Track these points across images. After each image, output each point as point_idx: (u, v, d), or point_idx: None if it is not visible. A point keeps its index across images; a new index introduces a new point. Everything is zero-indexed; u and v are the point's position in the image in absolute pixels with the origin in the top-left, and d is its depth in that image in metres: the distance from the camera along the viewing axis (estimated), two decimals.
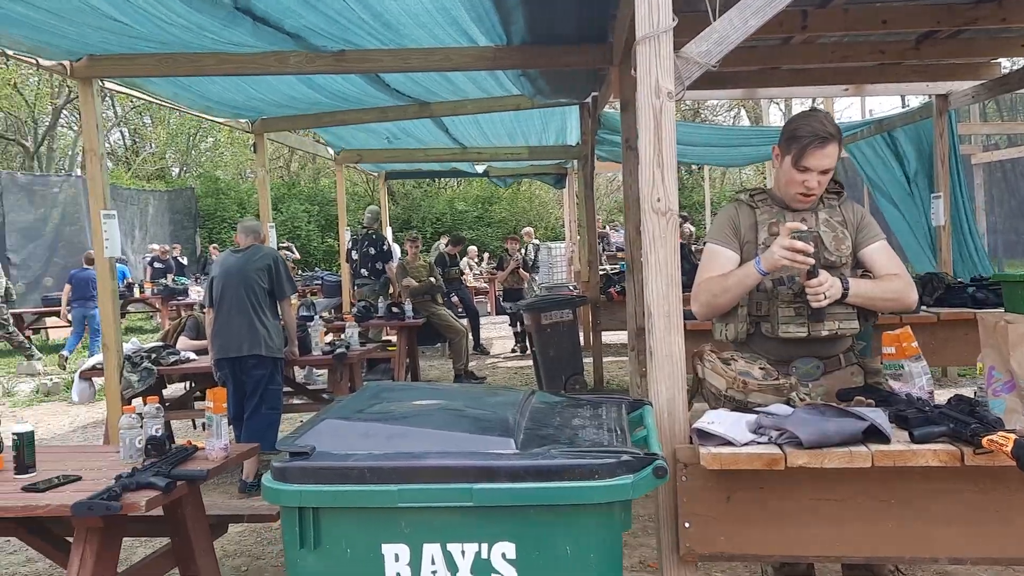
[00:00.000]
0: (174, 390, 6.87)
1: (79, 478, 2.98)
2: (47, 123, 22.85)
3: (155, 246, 17.01)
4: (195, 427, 6.34)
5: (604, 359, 8.60)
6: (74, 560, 2.78)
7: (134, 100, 21.05)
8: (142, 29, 4.66)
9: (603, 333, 8.61)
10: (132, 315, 16.46)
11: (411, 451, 1.90)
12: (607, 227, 18.86)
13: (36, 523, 3.17)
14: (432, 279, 9.21)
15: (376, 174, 14.33)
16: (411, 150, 10.96)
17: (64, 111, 22.98)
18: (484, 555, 1.85)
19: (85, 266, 11.10)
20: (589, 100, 7.65)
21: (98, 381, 6.12)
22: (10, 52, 4.85)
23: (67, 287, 11.32)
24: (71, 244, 16.78)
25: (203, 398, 6.18)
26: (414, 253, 9.45)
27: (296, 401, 6.58)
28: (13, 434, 3.07)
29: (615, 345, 10.45)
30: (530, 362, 8.84)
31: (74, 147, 24.99)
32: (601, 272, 9.22)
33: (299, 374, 7.36)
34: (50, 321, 13.43)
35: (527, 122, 9.34)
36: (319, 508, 1.87)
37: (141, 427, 3.24)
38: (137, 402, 3.85)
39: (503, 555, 1.85)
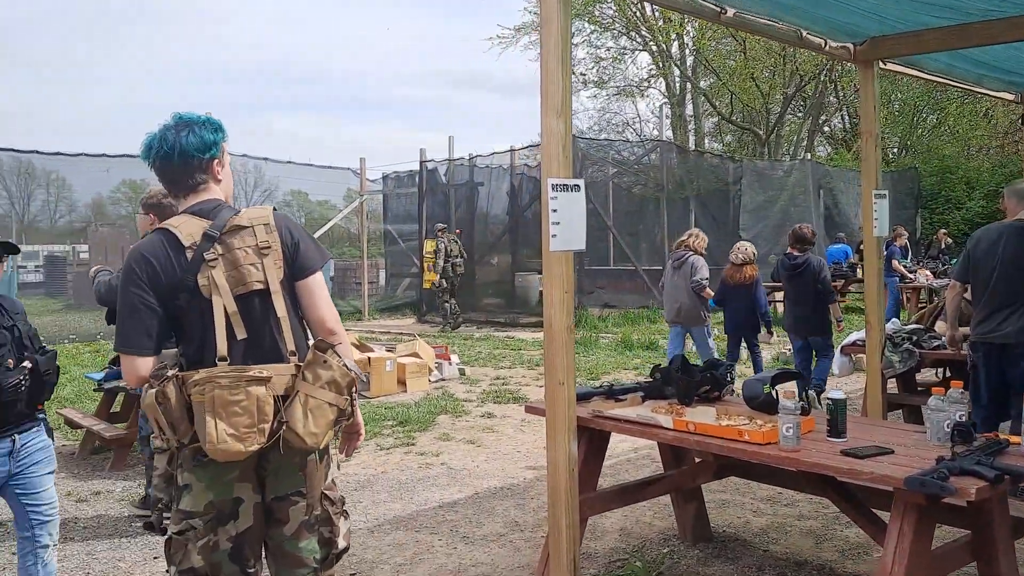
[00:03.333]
0: (927, 375, 6.66)
1: (892, 451, 3.03)
2: (777, 112, 24.62)
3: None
4: None
5: None
6: (892, 532, 2.83)
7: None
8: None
9: None
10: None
11: None
12: None
13: (842, 487, 3.37)
14: None
15: None
16: None
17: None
18: None
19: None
20: None
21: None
22: (804, 32, 5.15)
23: None
24: (796, 223, 17.80)
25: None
26: None
27: None
28: (828, 399, 3.29)
29: None
30: None
31: (799, 133, 26.49)
32: None
33: None
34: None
35: None
36: None
37: (948, 410, 3.15)
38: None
39: None
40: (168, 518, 2.45)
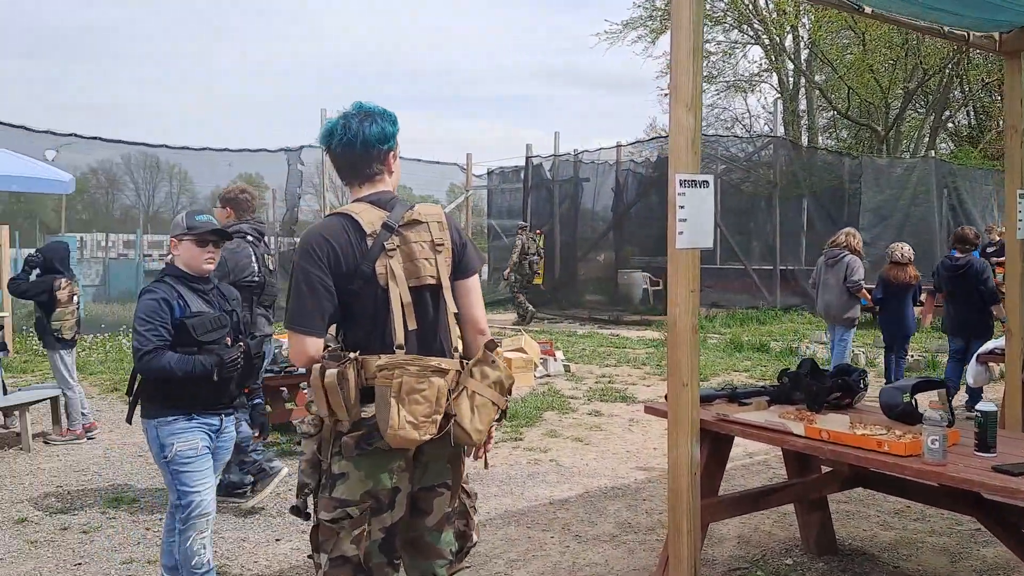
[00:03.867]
0: None
1: None
2: (897, 107, 23.51)
3: None
4: None
5: None
6: None
7: None
8: None
9: None
10: None
11: None
12: None
13: (989, 504, 3.15)
14: None
15: None
16: None
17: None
18: None
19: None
20: None
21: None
22: (945, 27, 4.88)
23: None
24: (918, 224, 17.01)
25: None
26: None
27: None
28: (978, 411, 3.08)
29: None
30: None
31: (920, 129, 25.25)
32: None
33: None
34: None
35: None
36: None
37: None
38: None
39: None
40: (314, 504, 2.43)
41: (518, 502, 5.01)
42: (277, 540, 4.40)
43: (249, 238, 4.95)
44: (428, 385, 2.27)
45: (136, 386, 3.30)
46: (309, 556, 2.48)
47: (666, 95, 39.18)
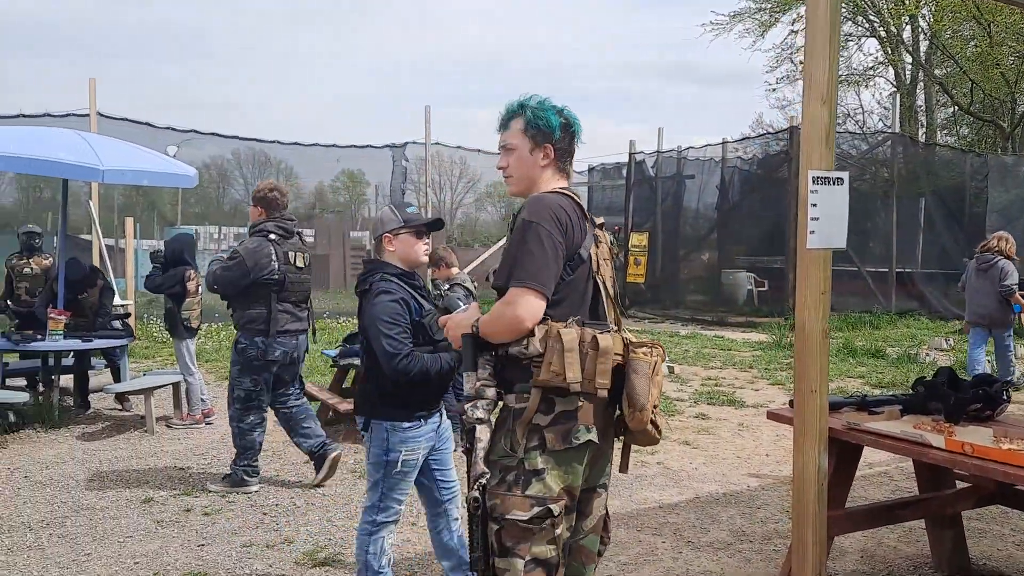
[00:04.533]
0: None
1: None
2: None
3: None
4: None
5: None
6: None
7: None
8: None
9: None
10: None
11: None
12: None
13: None
14: None
15: None
16: None
17: None
18: None
19: None
20: None
21: None
22: None
23: None
24: None
25: None
26: None
27: None
28: None
29: None
30: None
31: None
32: None
33: None
34: None
35: None
36: None
37: None
38: None
39: None
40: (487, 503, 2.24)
41: (627, 505, 4.93)
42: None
43: (272, 236, 5.06)
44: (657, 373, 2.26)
45: (367, 386, 3.21)
46: (476, 567, 2.27)
47: (774, 90, 38.11)
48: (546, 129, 2.38)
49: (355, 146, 15.56)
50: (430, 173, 16.83)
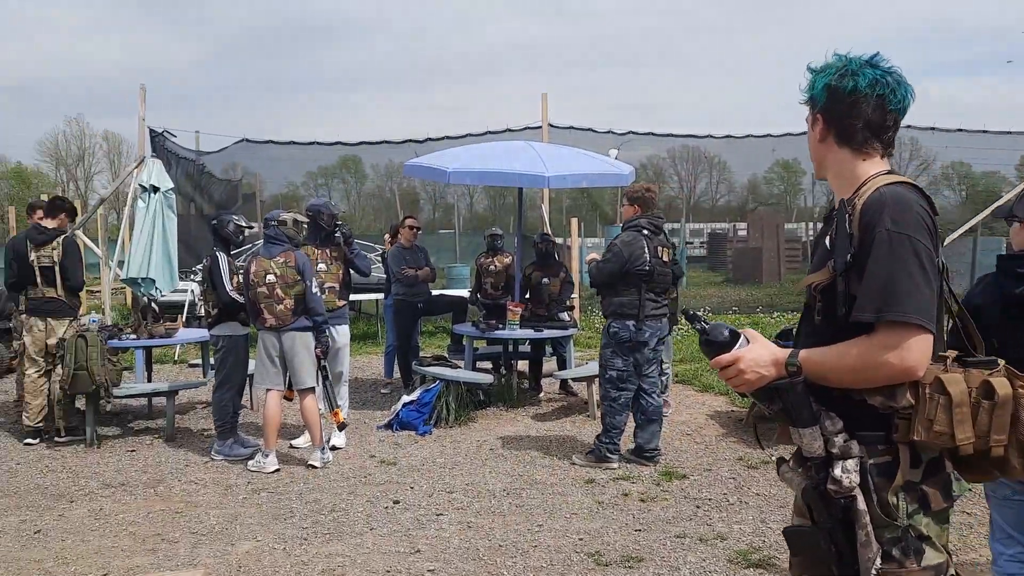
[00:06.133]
0: None
1: None
2: None
3: None
4: None
5: None
6: None
7: None
8: None
9: None
10: None
11: None
12: None
13: None
14: None
15: None
16: None
17: None
18: None
19: None
20: None
21: None
22: None
23: None
24: None
25: None
26: None
27: None
28: None
29: None
30: None
31: None
32: None
33: None
34: None
35: None
36: None
37: None
38: None
39: None
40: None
41: None
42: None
43: (645, 232, 5.54)
44: None
45: None
46: None
47: None
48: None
49: (790, 134, 14.96)
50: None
